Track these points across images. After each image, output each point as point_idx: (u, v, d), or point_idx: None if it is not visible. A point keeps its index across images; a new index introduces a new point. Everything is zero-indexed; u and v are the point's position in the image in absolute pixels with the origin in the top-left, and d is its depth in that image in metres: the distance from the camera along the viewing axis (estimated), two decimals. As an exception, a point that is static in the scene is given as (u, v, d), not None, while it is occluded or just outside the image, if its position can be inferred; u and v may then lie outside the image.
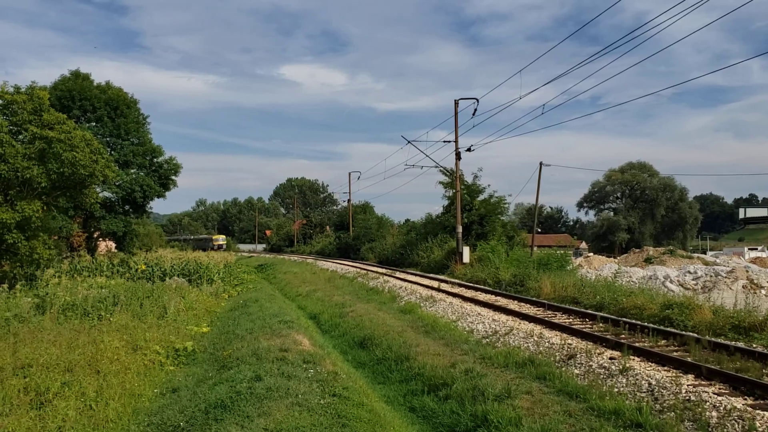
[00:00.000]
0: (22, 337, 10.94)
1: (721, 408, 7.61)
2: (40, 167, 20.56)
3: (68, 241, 39.24)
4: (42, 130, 20.77)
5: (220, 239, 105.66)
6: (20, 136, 21.85)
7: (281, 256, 68.22)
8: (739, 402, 7.82)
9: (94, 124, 39.34)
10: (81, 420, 8.10)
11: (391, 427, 8.05)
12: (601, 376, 9.76)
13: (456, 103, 31.76)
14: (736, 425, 7.15)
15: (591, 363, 10.44)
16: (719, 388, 8.53)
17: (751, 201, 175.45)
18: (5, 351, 9.90)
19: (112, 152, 39.25)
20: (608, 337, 12.11)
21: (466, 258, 30.42)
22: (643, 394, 8.66)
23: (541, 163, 41.28)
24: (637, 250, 58.89)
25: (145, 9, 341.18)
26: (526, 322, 14.77)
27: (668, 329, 12.63)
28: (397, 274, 30.55)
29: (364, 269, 35.55)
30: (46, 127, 21.03)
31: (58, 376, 9.11)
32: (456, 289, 22.74)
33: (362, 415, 7.77)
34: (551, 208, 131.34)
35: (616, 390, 8.97)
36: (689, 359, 10.04)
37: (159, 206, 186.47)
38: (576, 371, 10.28)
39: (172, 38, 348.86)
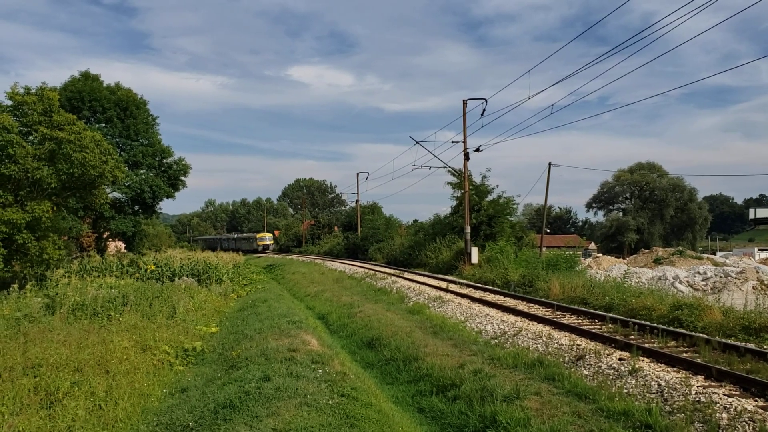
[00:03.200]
0: (32, 336, 11.02)
1: (732, 409, 7.55)
2: (50, 168, 20.71)
3: (78, 242, 39.50)
4: (52, 130, 20.93)
5: (267, 238, 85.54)
6: (30, 137, 22.03)
7: (290, 257, 68.31)
8: (749, 403, 7.75)
9: (103, 124, 39.56)
10: (90, 419, 8.14)
11: (399, 428, 8.03)
12: (611, 377, 9.71)
13: (464, 103, 31.69)
14: (747, 427, 7.09)
15: (600, 364, 10.39)
16: (729, 390, 8.47)
17: (761, 201, 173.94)
18: (15, 351, 9.97)
19: (122, 153, 39.48)
20: (617, 338, 12.04)
21: (474, 259, 30.36)
22: (652, 395, 8.61)
23: (549, 164, 41.18)
24: (647, 250, 58.57)
25: (154, 11, 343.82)
26: (535, 323, 14.72)
27: (678, 330, 12.55)
28: (405, 275, 30.51)
29: (372, 270, 35.54)
30: (56, 128, 21.20)
31: (67, 375, 9.17)
32: (464, 290, 22.69)
33: (371, 416, 7.77)
34: (560, 208, 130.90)
35: (625, 391, 8.93)
36: (699, 360, 9.97)
37: (168, 207, 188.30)
38: (585, 372, 10.23)
39: (181, 40, 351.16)
